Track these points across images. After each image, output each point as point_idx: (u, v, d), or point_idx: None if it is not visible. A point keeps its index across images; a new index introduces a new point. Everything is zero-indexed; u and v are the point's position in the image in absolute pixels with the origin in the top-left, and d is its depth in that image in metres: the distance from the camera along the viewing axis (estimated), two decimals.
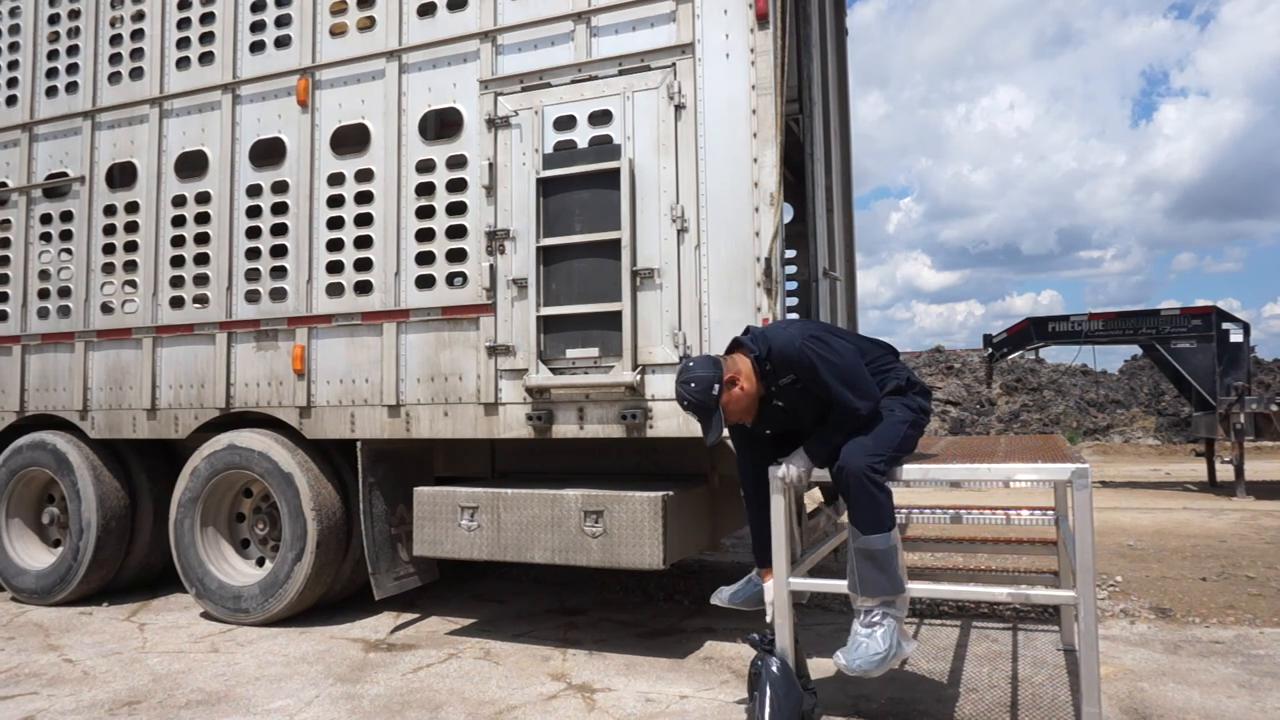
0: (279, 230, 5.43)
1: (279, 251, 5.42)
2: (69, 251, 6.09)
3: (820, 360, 3.28)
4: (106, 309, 5.96)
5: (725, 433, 3.41)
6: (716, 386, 3.28)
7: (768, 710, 3.24)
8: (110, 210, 5.95)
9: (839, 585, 3.33)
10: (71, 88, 6.13)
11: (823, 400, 3.35)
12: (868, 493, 3.13)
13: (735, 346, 3.45)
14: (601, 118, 4.65)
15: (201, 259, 5.65)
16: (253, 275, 5.51)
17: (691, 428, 4.39)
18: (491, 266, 4.82)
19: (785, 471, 3.35)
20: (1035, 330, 12.35)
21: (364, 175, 5.22)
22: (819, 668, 4.12)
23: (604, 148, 4.62)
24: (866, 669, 3.10)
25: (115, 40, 5.99)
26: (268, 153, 5.52)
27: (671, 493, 4.33)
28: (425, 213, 5.04)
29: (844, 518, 4.07)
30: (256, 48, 5.57)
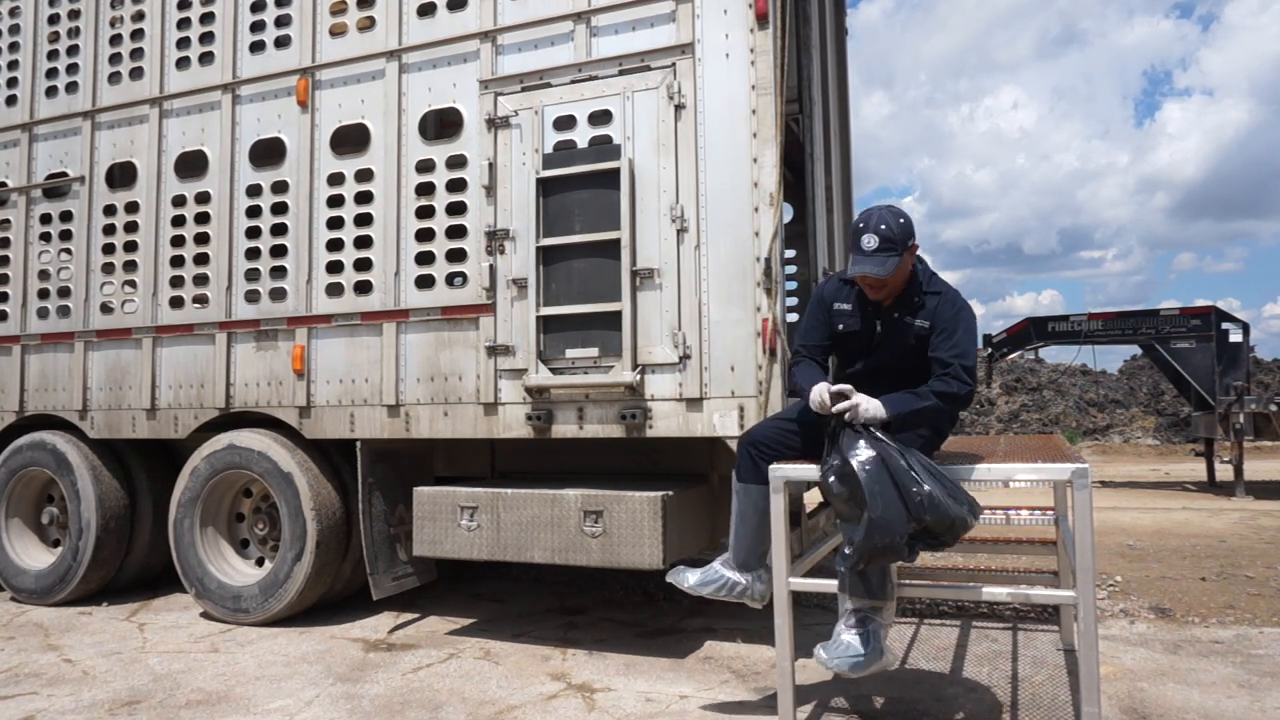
0: (279, 230, 5.43)
1: (279, 251, 5.42)
2: (69, 251, 6.09)
3: (968, 324, 3.26)
4: (106, 309, 5.95)
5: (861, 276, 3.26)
6: (912, 241, 3.26)
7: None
8: (110, 210, 5.95)
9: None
10: (71, 88, 6.13)
11: (906, 365, 3.32)
12: None
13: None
14: (601, 118, 4.65)
15: (201, 259, 5.64)
16: (252, 275, 5.51)
17: (691, 427, 4.40)
18: (491, 266, 4.82)
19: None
20: (1035, 330, 12.35)
21: (364, 175, 5.22)
22: (817, 668, 4.12)
23: (604, 148, 4.62)
24: (843, 669, 3.08)
25: (115, 40, 5.99)
26: (268, 153, 5.52)
27: (671, 493, 4.33)
28: (425, 213, 5.04)
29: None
30: (256, 48, 5.56)
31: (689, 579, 3.60)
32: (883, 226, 3.19)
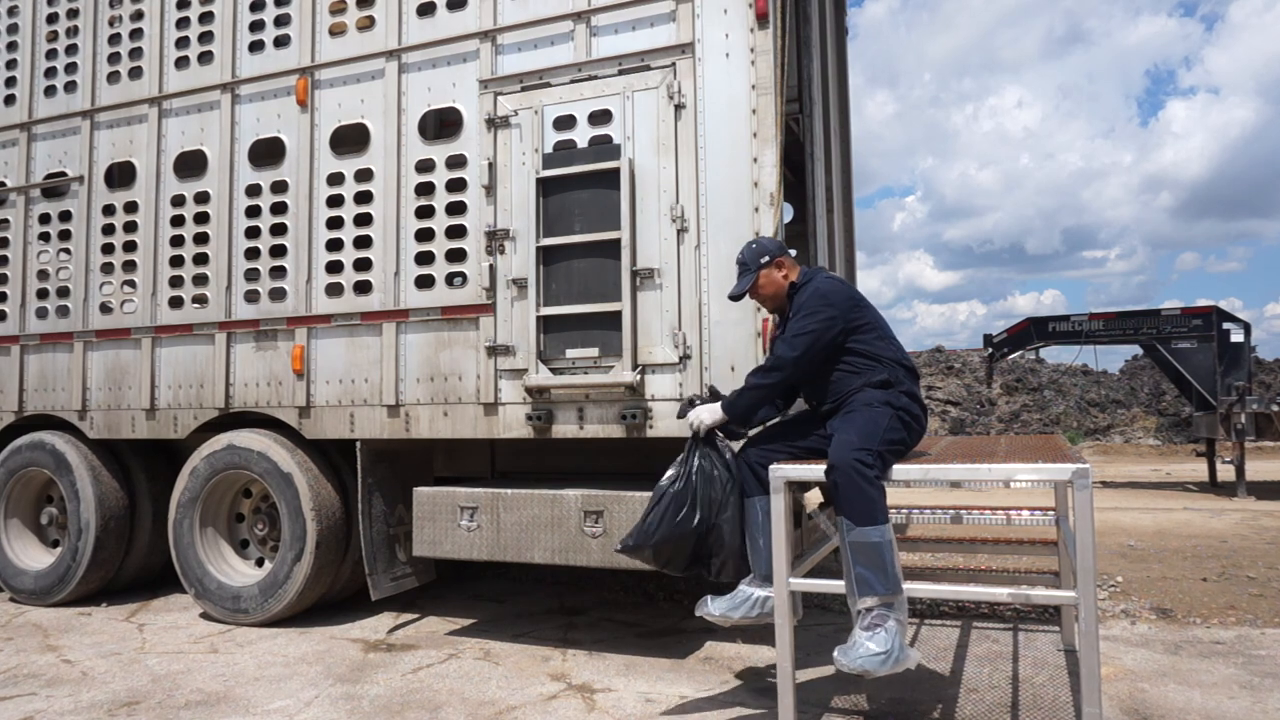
0: (278, 230, 5.42)
1: (278, 251, 5.41)
2: (68, 251, 6.08)
3: (808, 305, 3.50)
4: (105, 309, 5.95)
5: (744, 298, 3.77)
6: (767, 258, 3.67)
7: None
8: (109, 210, 5.94)
9: (839, 585, 3.31)
10: (70, 87, 6.12)
11: (821, 365, 3.51)
12: (856, 485, 3.11)
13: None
14: (601, 117, 4.64)
15: (200, 259, 5.64)
16: (252, 275, 5.50)
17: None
18: (491, 266, 4.81)
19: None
20: (1035, 330, 12.34)
21: (363, 175, 5.21)
22: (820, 668, 4.12)
23: (604, 147, 4.61)
24: (867, 668, 3.02)
25: (114, 40, 5.99)
26: (267, 152, 5.51)
27: None
28: (425, 212, 5.03)
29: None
30: (255, 47, 5.56)
31: (716, 608, 3.53)
32: (738, 257, 3.77)
